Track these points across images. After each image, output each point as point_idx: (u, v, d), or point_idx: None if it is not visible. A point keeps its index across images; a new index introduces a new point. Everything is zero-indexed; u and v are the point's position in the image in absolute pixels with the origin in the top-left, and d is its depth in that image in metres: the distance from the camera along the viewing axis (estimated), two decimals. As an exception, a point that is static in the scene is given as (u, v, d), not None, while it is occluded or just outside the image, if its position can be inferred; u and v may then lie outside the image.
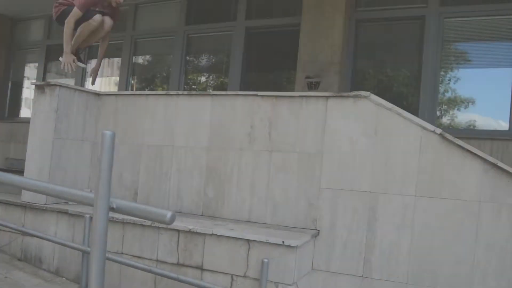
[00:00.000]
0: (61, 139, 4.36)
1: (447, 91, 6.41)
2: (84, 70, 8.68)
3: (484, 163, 3.38)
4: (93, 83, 5.27)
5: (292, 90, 6.59)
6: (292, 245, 3.19)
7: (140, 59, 9.05)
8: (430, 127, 3.51)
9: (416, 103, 6.21)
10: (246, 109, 4.07)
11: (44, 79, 9.47)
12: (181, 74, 7.97)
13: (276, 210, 3.89)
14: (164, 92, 4.74)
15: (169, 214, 1.55)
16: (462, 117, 6.31)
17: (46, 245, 4.22)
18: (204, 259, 3.48)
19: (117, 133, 4.30)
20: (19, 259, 4.36)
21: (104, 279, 1.58)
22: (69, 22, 4.49)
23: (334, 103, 3.76)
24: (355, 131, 3.68)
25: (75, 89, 4.58)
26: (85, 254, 3.69)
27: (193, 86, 8.40)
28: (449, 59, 6.33)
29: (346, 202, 3.68)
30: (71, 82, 8.92)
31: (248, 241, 3.32)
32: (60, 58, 4.75)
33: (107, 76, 9.53)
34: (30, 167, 4.34)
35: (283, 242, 3.20)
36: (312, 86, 6.38)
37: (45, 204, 4.26)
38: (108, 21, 4.73)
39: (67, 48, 4.61)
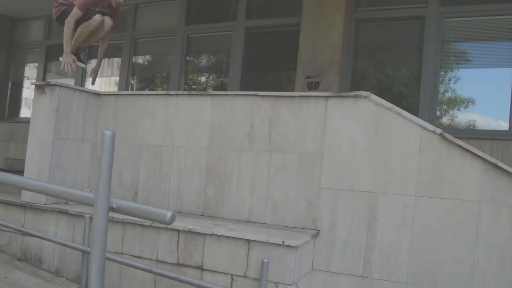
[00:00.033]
0: (61, 139, 4.36)
1: (447, 91, 6.41)
2: (84, 70, 8.68)
3: (484, 163, 3.38)
4: (93, 83, 5.27)
5: (292, 90, 6.59)
6: (292, 245, 3.19)
7: (140, 59, 9.05)
8: (430, 127, 3.51)
9: (416, 103, 6.22)
10: (246, 109, 4.07)
11: (44, 79, 9.47)
12: (181, 74, 7.97)
13: (276, 210, 3.89)
14: (164, 92, 4.74)
15: (169, 214, 1.55)
16: (462, 117, 6.31)
17: (46, 245, 4.22)
18: (204, 259, 3.48)
19: (117, 133, 4.31)
20: (19, 259, 4.37)
21: (104, 279, 1.58)
22: (69, 22, 4.49)
23: (334, 103, 3.76)
24: (355, 131, 3.68)
25: (75, 89, 4.59)
26: (85, 254, 3.69)
27: (193, 86, 8.40)
28: (449, 59, 6.34)
29: (346, 202, 3.68)
30: (71, 82, 8.92)
31: (248, 241, 3.32)
32: (60, 58, 4.74)
33: (107, 76, 9.53)
34: (30, 167, 4.35)
35: (283, 242, 3.20)
36: (312, 86, 6.38)
37: (45, 204, 4.26)
38: (108, 21, 4.73)
39: (67, 48, 4.61)
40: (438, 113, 6.33)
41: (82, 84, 8.92)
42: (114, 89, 9.07)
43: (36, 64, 10.02)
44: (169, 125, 4.39)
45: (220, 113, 4.18)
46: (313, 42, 6.48)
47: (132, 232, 3.77)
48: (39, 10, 9.33)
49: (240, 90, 7.05)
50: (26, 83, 10.37)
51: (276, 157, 3.92)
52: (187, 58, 8.16)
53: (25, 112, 10.18)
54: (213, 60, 8.44)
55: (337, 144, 3.72)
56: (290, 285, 3.20)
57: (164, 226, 3.57)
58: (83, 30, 4.62)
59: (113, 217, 3.72)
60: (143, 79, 9.12)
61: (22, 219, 4.38)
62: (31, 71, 10.39)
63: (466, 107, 6.29)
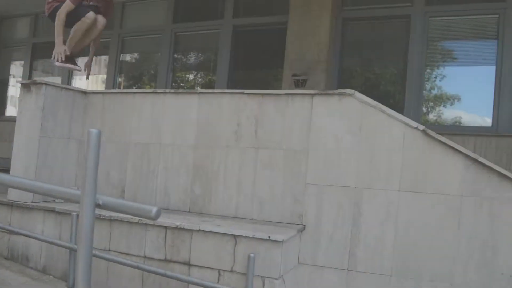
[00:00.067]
0: (48, 138, 4.35)
1: (433, 89, 6.51)
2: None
3: (466, 158, 3.46)
4: (87, 78, 5.27)
5: (280, 88, 6.64)
6: (278, 239, 3.24)
7: (127, 57, 9.04)
8: (413, 124, 3.58)
9: (402, 100, 6.31)
10: (232, 107, 4.10)
11: (30, 77, 9.40)
12: (168, 72, 7.98)
13: (262, 206, 3.93)
14: (151, 90, 4.75)
15: (154, 209, 1.57)
16: (447, 114, 6.42)
17: (33, 244, 4.22)
18: (191, 254, 3.51)
19: (104, 131, 4.36)
20: (5, 258, 4.35)
21: (91, 275, 1.59)
22: (61, 13, 4.46)
23: (319, 101, 3.81)
24: (340, 128, 3.73)
25: (62, 88, 4.58)
26: (72, 251, 3.71)
27: (181, 84, 8.41)
28: (434, 57, 6.43)
29: (331, 198, 3.73)
30: (57, 80, 8.88)
31: (235, 236, 3.36)
32: (56, 63, 4.71)
33: (94, 74, 9.48)
34: (16, 165, 4.33)
35: (269, 237, 3.25)
36: (299, 84, 6.44)
37: (32, 202, 4.26)
38: (101, 19, 4.71)
39: (58, 39, 4.57)
40: (423, 110, 6.42)
41: (69, 83, 8.89)
42: (101, 87, 9.05)
43: (22, 62, 9.94)
44: (156, 123, 4.41)
45: (207, 111, 4.21)
46: (300, 40, 6.53)
47: (119, 229, 3.79)
48: (25, 8, 9.27)
49: (228, 88, 7.08)
50: (12, 81, 10.28)
51: (263, 154, 3.96)
52: (175, 56, 8.16)
53: (11, 111, 10.10)
54: (201, 58, 8.46)
55: (323, 141, 3.77)
56: (276, 279, 3.25)
57: (151, 222, 3.60)
58: (77, 30, 4.60)
59: (100, 215, 3.74)
60: (131, 77, 9.10)
61: (9, 218, 4.36)
62: (17, 69, 10.31)
63: (451, 104, 6.40)
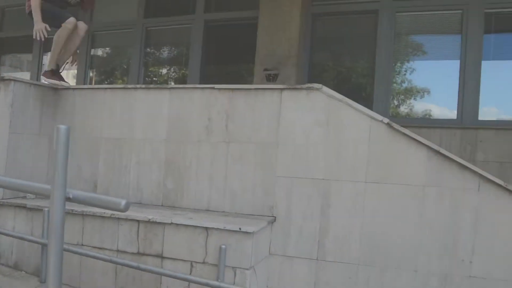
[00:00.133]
0: (17, 134, 4.32)
1: (401, 82, 6.71)
2: (40, 64, 8.52)
3: (428, 150, 3.59)
4: (72, 64, 5.31)
5: (251, 82, 6.72)
6: (249, 231, 3.32)
7: (98, 52, 8.95)
8: (378, 117, 3.70)
9: (372, 94, 6.46)
10: (203, 102, 4.16)
11: (-2, 73, 9.22)
12: (140, 67, 7.96)
13: (234, 199, 4.01)
14: (122, 86, 4.76)
15: (123, 202, 1.63)
16: (415, 107, 6.63)
17: (4, 240, 4.19)
18: (164, 247, 3.56)
19: (75, 127, 4.36)
20: (-24, 256, 4.32)
21: (62, 269, 1.63)
22: None
23: (288, 95, 3.90)
24: (308, 122, 3.83)
25: (31, 84, 4.54)
26: (44, 247, 3.71)
27: (154, 79, 8.40)
28: (402, 51, 6.62)
29: (301, 190, 3.83)
30: (26, 76, 8.73)
31: (207, 228, 3.43)
32: (45, 80, 4.66)
33: (65, 70, 9.35)
34: (-15, 162, 4.29)
35: (240, 228, 3.33)
36: (271, 78, 6.53)
37: (2, 199, 4.23)
38: (82, 26, 4.72)
39: (37, 17, 4.56)
40: (392, 103, 6.61)
41: (38, 79, 8.74)
42: (72, 82, 8.92)
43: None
44: (128, 118, 4.42)
45: (178, 106, 4.26)
46: (271, 35, 6.62)
47: (91, 223, 3.81)
48: (-10, 2, 9.06)
49: (200, 83, 7.12)
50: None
51: (234, 148, 4.04)
52: (147, 50, 8.14)
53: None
54: (173, 53, 8.45)
55: (292, 135, 3.87)
56: (247, 269, 3.34)
57: (124, 217, 3.64)
58: (59, 36, 4.59)
59: (72, 210, 3.75)
60: (102, 72, 9.03)
61: (-21, 215, 4.32)
62: (-17, 65, 10.07)
63: (418, 98, 6.62)
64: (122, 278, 3.70)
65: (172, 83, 8.17)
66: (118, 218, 3.70)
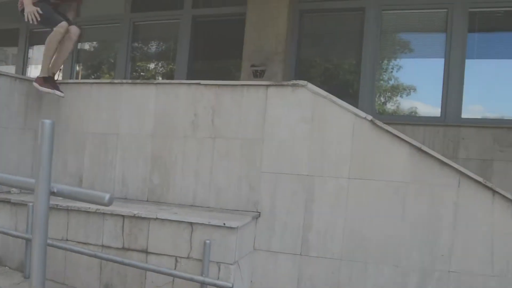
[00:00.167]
0: (2, 128, 4.30)
1: (387, 80, 6.78)
2: (25, 57, 8.45)
3: (410, 147, 3.66)
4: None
5: (239, 78, 6.73)
6: (233, 226, 3.36)
7: (85, 46, 8.89)
8: (362, 114, 3.75)
9: (358, 91, 6.52)
10: (190, 98, 4.17)
11: (-18, 66, 9.12)
12: (127, 62, 7.93)
13: (219, 194, 4.04)
14: (108, 81, 4.75)
15: (107, 196, 1.64)
16: (400, 104, 6.71)
17: (-12, 235, 4.18)
18: (149, 242, 3.58)
19: (61, 121, 4.35)
20: (-41, 250, 4.29)
21: (46, 264, 1.64)
22: None
23: (273, 91, 3.94)
24: (293, 118, 3.87)
25: (16, 78, 4.52)
26: (29, 242, 3.71)
27: (141, 73, 8.37)
28: (388, 49, 6.68)
29: (285, 186, 3.87)
30: (11, 69, 8.66)
31: (191, 223, 3.46)
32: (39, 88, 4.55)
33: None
34: (-31, 156, 4.27)
35: (224, 224, 3.36)
36: (258, 74, 6.55)
37: (-14, 194, 4.21)
38: (74, 30, 4.57)
39: (27, 1, 4.37)
40: (378, 100, 6.67)
41: (24, 72, 8.67)
42: (58, 77, 8.86)
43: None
44: (114, 113, 4.42)
45: (164, 102, 4.27)
46: (259, 31, 6.64)
47: (76, 218, 3.81)
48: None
49: (188, 78, 7.12)
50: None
51: (220, 144, 4.06)
52: (134, 45, 8.10)
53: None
54: (160, 48, 8.43)
55: (277, 131, 3.91)
56: (231, 264, 3.38)
57: (109, 212, 3.65)
58: (51, 41, 4.42)
59: (57, 205, 3.75)
60: (89, 66, 8.98)
61: (-38, 210, 4.30)
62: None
63: (403, 95, 6.70)
64: (107, 273, 3.72)
65: (160, 78, 8.16)
66: (103, 213, 3.71)
